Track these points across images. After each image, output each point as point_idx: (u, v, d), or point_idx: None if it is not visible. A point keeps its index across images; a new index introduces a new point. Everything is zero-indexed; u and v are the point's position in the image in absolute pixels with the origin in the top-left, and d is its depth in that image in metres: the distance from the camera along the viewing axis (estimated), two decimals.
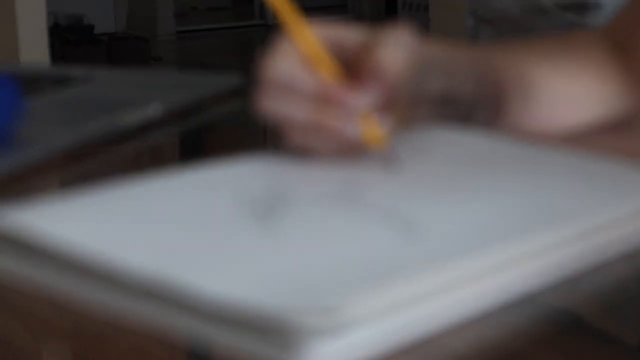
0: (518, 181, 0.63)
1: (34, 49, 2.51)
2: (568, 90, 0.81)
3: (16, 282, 0.54)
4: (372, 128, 0.66)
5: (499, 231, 0.54)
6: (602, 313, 0.52)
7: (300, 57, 0.67)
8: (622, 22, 0.87)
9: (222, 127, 0.98)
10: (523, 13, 1.20)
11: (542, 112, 0.79)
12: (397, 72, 0.67)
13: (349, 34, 0.69)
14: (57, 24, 4.24)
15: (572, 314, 0.51)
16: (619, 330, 0.51)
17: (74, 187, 0.62)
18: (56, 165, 0.78)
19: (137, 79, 1.06)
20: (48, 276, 0.53)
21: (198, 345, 0.47)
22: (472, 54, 0.77)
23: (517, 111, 0.79)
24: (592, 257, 0.54)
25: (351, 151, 0.68)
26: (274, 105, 0.66)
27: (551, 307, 0.51)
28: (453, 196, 0.60)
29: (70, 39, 4.21)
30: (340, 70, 0.68)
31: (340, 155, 0.68)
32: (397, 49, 0.67)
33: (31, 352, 0.49)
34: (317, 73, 0.67)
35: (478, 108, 0.77)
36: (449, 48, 0.76)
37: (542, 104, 0.80)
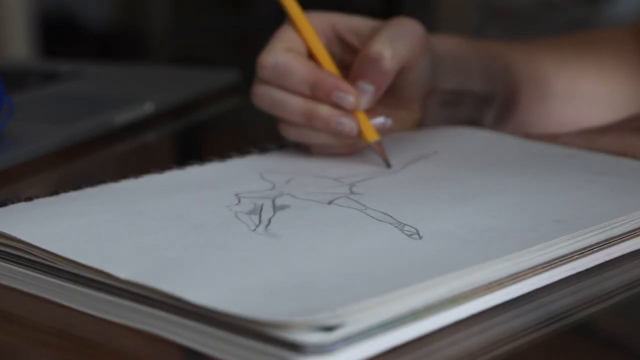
0: (534, 182, 0.63)
1: (19, 43, 2.51)
2: (595, 90, 0.81)
3: (5, 287, 0.55)
4: (366, 123, 0.67)
5: (517, 239, 0.53)
6: (609, 317, 0.52)
7: (299, 47, 0.68)
8: None
9: (220, 125, 0.98)
10: (530, 7, 1.20)
11: (566, 112, 0.80)
12: (395, 66, 0.67)
13: (364, 22, 0.70)
14: (45, 16, 4.23)
15: (575, 317, 0.51)
16: (626, 335, 0.51)
17: (64, 187, 0.63)
18: (45, 164, 0.78)
19: (130, 75, 1.07)
20: (35, 281, 0.54)
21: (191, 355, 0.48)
22: (484, 51, 0.78)
23: (532, 111, 0.79)
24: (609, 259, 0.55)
25: (345, 147, 0.68)
26: (269, 92, 0.67)
27: (553, 310, 0.51)
28: (466, 199, 0.60)
29: (59, 33, 4.19)
30: (336, 64, 0.69)
31: (333, 151, 0.68)
32: (397, 43, 0.67)
33: (21, 358, 0.50)
34: (315, 62, 0.68)
35: (489, 107, 0.78)
36: (460, 44, 0.76)
37: (566, 104, 0.80)
